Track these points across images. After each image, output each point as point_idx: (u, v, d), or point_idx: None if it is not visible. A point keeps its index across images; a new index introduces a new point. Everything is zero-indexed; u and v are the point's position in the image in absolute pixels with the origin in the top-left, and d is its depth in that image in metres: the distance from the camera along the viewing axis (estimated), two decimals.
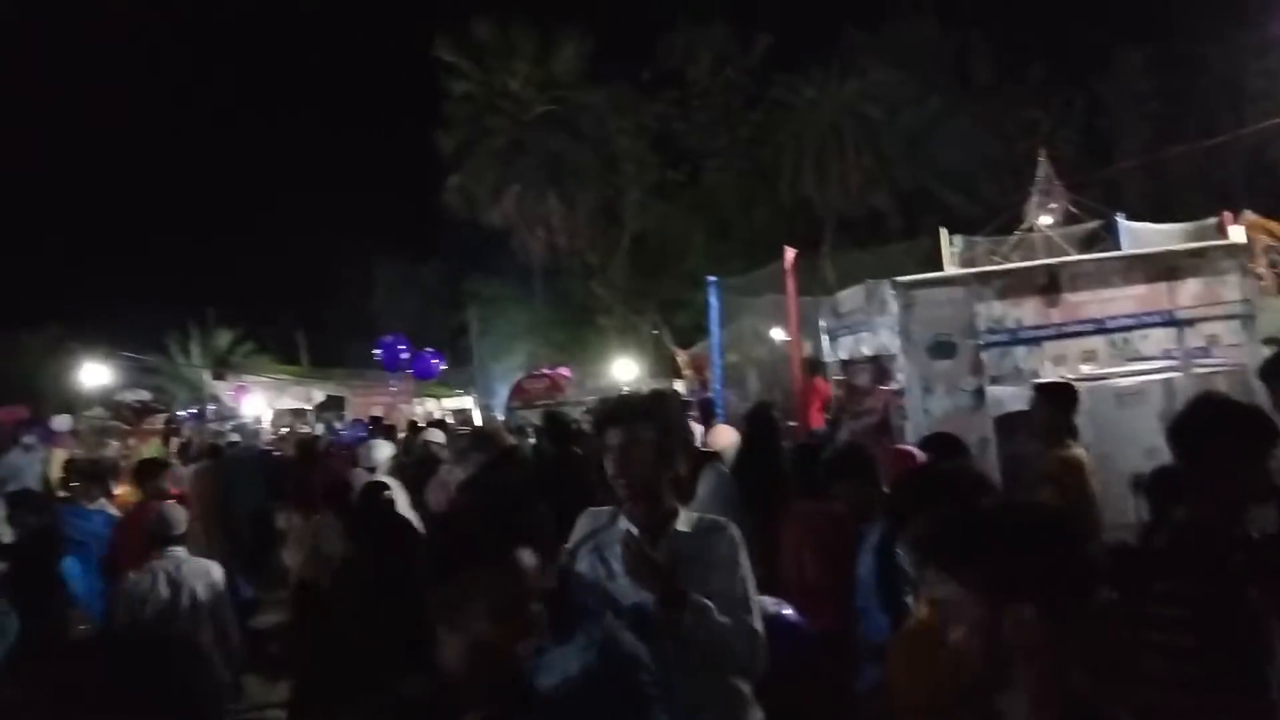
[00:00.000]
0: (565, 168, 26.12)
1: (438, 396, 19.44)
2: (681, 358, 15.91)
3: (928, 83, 24.51)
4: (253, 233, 33.21)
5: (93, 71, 35.93)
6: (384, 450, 6.48)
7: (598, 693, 2.00)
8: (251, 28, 40.56)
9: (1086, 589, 1.51)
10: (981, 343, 5.46)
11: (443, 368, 20.56)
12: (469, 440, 3.67)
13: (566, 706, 1.98)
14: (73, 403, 17.35)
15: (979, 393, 5.35)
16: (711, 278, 8.91)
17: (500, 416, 15.73)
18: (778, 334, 11.33)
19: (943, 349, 5.30)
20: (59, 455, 10.43)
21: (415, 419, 10.86)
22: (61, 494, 8.13)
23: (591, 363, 21.98)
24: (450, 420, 12.55)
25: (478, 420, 15.61)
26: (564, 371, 18.43)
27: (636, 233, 26.07)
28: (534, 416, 10.46)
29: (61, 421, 13.50)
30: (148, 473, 6.14)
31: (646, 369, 20.01)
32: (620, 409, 2.44)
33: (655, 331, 23.44)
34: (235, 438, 13.21)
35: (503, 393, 18.84)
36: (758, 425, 4.50)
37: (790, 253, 7.63)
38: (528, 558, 1.69)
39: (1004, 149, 24.23)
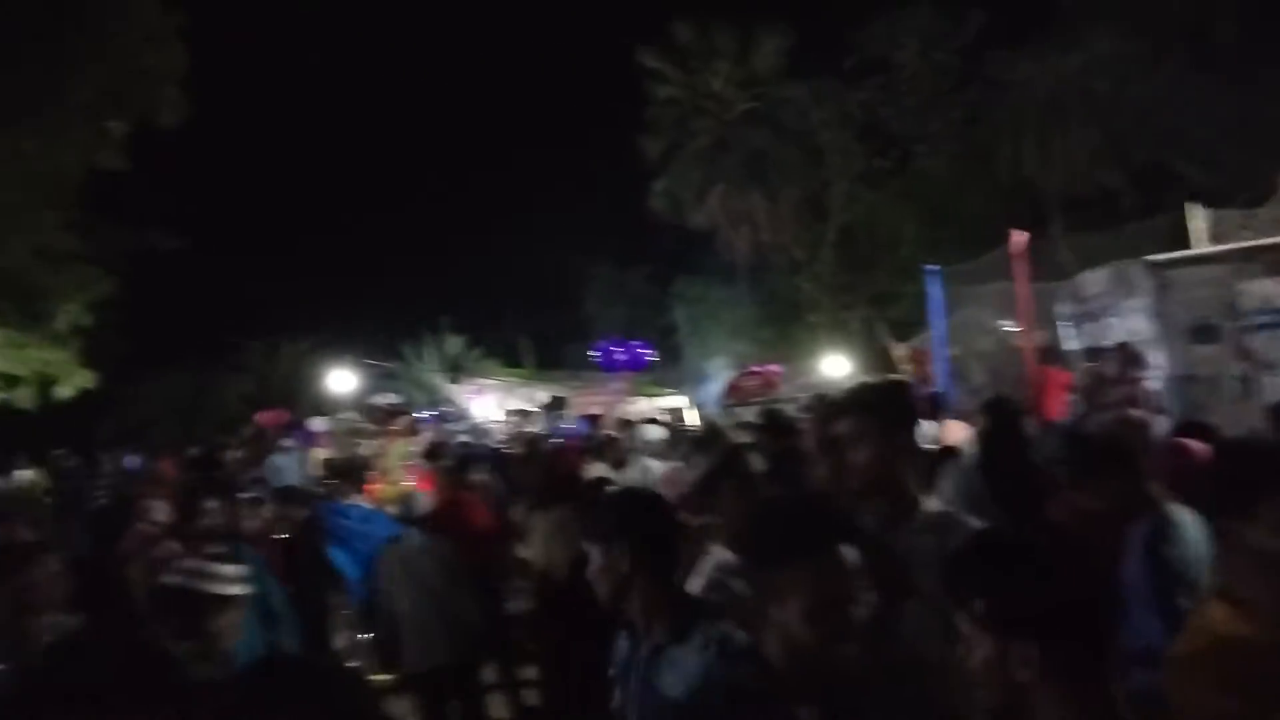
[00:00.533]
0: (768, 164, 25.91)
1: (651, 395, 19.83)
2: (899, 351, 15.36)
3: (1160, 48, 22.45)
4: (476, 245, 35.25)
5: (322, 109, 39.16)
6: (653, 432, 6.67)
7: (717, 693, 2.00)
8: (461, 50, 42.88)
9: (1096, 632, 1.43)
10: (1248, 325, 4.97)
11: (653, 358, 21.03)
12: (695, 439, 3.70)
13: (691, 708, 2.04)
14: (324, 406, 18.98)
15: (1246, 380, 4.88)
16: (931, 266, 8.58)
17: (713, 414, 15.85)
18: (1003, 324, 10.75)
19: (1203, 333, 4.87)
20: (317, 454, 11.41)
21: (630, 417, 11.09)
22: (319, 490, 8.85)
23: (800, 359, 21.66)
24: (663, 418, 12.75)
25: (689, 418, 15.77)
26: (776, 368, 18.32)
27: (844, 225, 25.49)
28: (748, 414, 10.46)
29: (317, 423, 14.78)
30: (457, 467, 6.60)
31: (859, 364, 19.53)
32: (850, 399, 2.39)
33: (869, 326, 22.83)
34: (467, 438, 14.03)
35: (713, 391, 18.96)
36: (999, 417, 4.28)
37: (1020, 236, 7.22)
38: (850, 556, 1.63)
39: (1251, 113, 21.85)
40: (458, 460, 6.81)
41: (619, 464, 6.86)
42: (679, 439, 6.14)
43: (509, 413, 15.56)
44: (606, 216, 31.56)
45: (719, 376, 20.26)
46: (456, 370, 25.52)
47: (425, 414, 17.83)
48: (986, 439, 4.23)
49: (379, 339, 25.39)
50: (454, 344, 27.82)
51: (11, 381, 13.24)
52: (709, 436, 4.14)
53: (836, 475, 2.23)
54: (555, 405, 14.00)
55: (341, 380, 20.85)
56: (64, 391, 13.69)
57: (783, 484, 3.06)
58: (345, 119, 42.25)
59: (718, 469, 2.71)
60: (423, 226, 39.00)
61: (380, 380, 22.24)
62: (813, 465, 2.87)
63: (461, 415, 18.91)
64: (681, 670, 2.07)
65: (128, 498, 8.22)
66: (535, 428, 12.12)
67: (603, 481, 5.69)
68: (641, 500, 2.49)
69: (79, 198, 13.08)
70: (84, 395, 14.22)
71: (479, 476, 6.42)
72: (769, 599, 1.62)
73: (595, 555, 2.30)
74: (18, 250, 12.10)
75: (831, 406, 2.38)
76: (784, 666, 1.62)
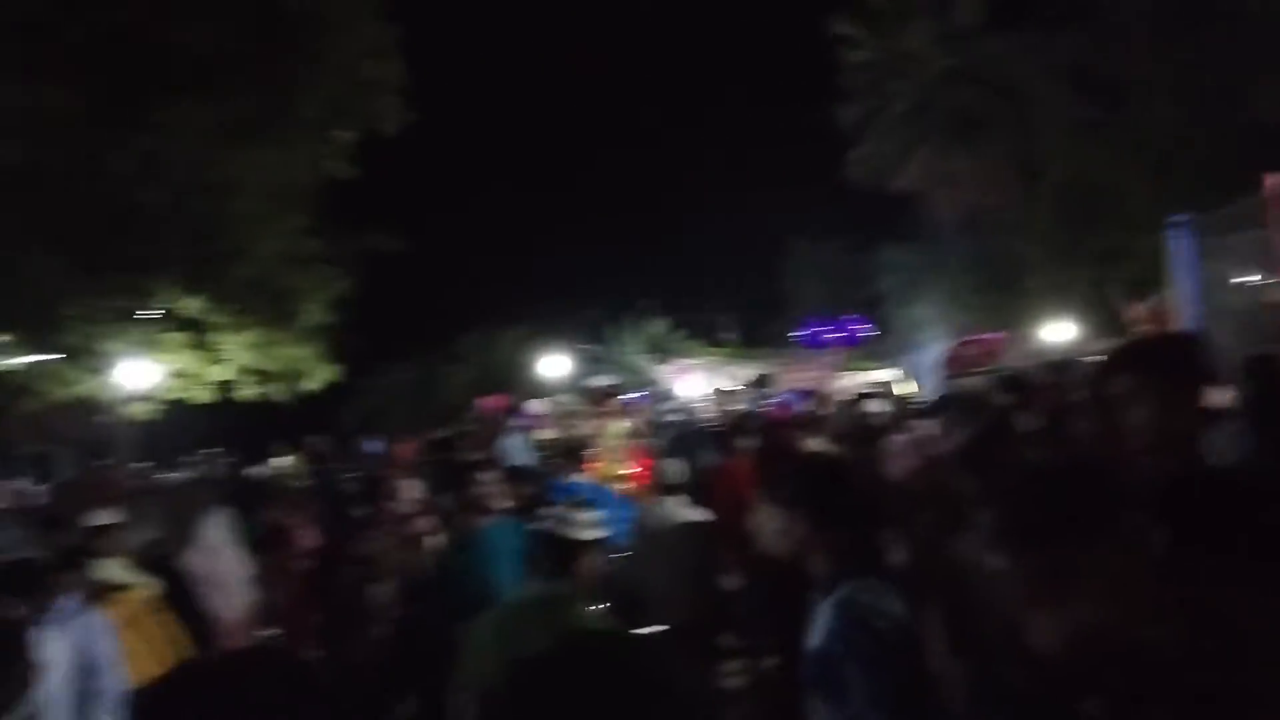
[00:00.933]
0: (973, 122, 24.71)
1: (861, 369, 19.44)
2: (1136, 311, 14.22)
3: None
4: (676, 228, 35.70)
5: (521, 102, 40.61)
6: (878, 405, 6.60)
7: (831, 651, 2.22)
8: (654, 32, 43.27)
9: None
10: None
11: (867, 333, 20.58)
12: (953, 407, 3.58)
13: (815, 663, 2.27)
14: (539, 390, 19.83)
15: None
16: (1177, 217, 7.92)
17: (931, 386, 15.35)
18: (1253, 276, 9.78)
19: None
20: (538, 436, 11.96)
21: (844, 392, 10.92)
22: (545, 469, 9.23)
23: (1019, 326, 20.58)
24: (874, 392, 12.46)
25: (901, 391, 15.34)
26: (996, 336, 17.49)
27: (1060, 181, 23.86)
28: (971, 384, 10.05)
29: (534, 406, 15.48)
30: (734, 433, 6.81)
31: (1087, 328, 18.31)
32: (1130, 353, 2.29)
33: (1098, 287, 21.30)
34: (675, 416, 14.28)
35: (928, 362, 18.34)
36: (1270, 376, 3.89)
37: (1277, 179, 6.54)
38: (1140, 524, 1.49)
39: None
40: (731, 426, 6.96)
41: (837, 438, 6.77)
42: (908, 412, 5.97)
43: (714, 391, 15.68)
44: (803, 189, 31.07)
45: (932, 347, 19.58)
46: (660, 351, 25.95)
47: (632, 395, 18.25)
48: (1257, 399, 3.85)
49: (586, 324, 26.20)
50: (657, 326, 28.30)
51: (266, 377, 14.61)
52: (971, 402, 3.98)
53: (1110, 438, 2.08)
54: (761, 382, 13.99)
55: (554, 365, 21.71)
56: (311, 384, 14.97)
57: (1051, 448, 2.92)
58: (545, 111, 43.77)
59: (987, 434, 2.65)
60: (623, 212, 39.85)
61: (588, 364, 22.95)
62: (1074, 428, 2.72)
63: (668, 395, 19.24)
64: (818, 624, 2.35)
65: (374, 479, 8.94)
66: (741, 405, 12.15)
67: (818, 456, 5.62)
68: (823, 469, 2.71)
69: (314, 205, 14.22)
70: (328, 387, 15.49)
71: (748, 442, 6.50)
72: (1045, 579, 1.47)
73: (775, 518, 2.52)
74: (266, 256, 13.33)
75: (1108, 362, 2.23)
76: (1064, 654, 1.47)
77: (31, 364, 12.49)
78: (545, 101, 42.68)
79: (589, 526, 3.39)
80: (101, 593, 5.27)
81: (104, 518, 7.16)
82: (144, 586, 5.48)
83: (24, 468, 11.58)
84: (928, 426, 4.48)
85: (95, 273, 11.68)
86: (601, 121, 44.93)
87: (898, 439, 4.74)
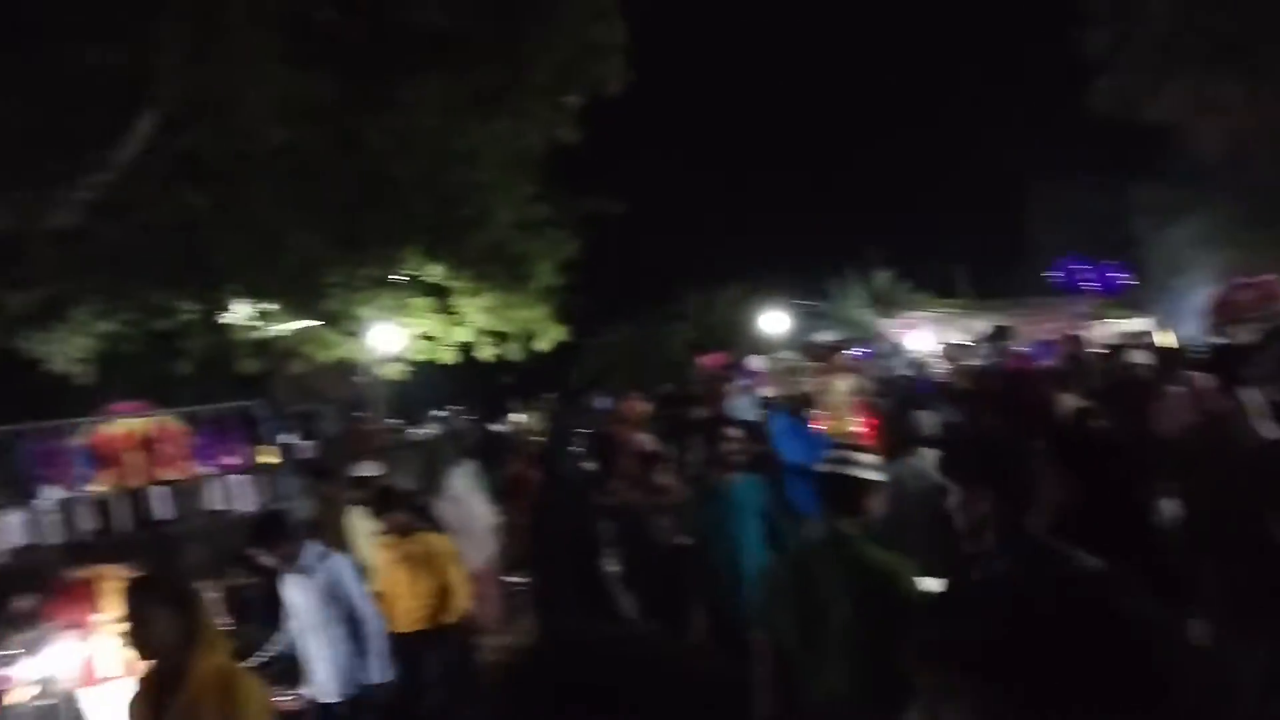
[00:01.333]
0: (1239, 42, 22.09)
1: (1112, 319, 18.01)
2: None
3: None
4: (901, 174, 34.28)
5: (736, 55, 40.09)
6: (1140, 356, 6.18)
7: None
8: None
9: None
10: None
11: (1127, 281, 18.99)
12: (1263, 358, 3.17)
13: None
14: (759, 347, 19.76)
15: None
16: None
17: (1191, 336, 14.00)
18: None
19: None
20: (761, 392, 11.94)
21: (1105, 342, 10.10)
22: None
23: None
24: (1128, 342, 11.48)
25: (1162, 342, 14.08)
26: (1274, 278, 15.61)
27: None
28: (1245, 333, 9.03)
29: (755, 363, 15.43)
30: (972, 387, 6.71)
31: None
32: None
33: None
34: (906, 372, 13.82)
35: (1191, 309, 16.70)
36: None
37: None
38: None
39: None
40: (979, 383, 6.80)
41: (1092, 394, 6.28)
42: (1180, 362, 5.43)
43: (945, 346, 15.02)
44: (1045, 126, 28.87)
45: (1194, 293, 17.85)
46: (886, 304, 25.12)
47: (857, 351, 17.83)
48: None
49: (807, 278, 25.77)
50: (882, 278, 27.40)
51: (502, 338, 15.37)
52: None
53: None
54: (999, 335, 13.22)
55: (774, 321, 21.56)
56: (542, 344, 15.60)
57: None
58: (760, 58, 43.12)
59: None
60: (845, 159, 38.74)
61: (809, 319, 22.61)
62: None
63: (894, 351, 18.65)
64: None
65: (605, 434, 9.26)
66: (975, 360, 11.54)
67: (1085, 413, 5.22)
68: (1006, 447, 2.73)
69: (542, 170, 14.68)
70: (557, 347, 16.09)
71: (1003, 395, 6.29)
72: None
73: (955, 493, 2.57)
74: (502, 223, 13.95)
75: None
76: None
77: (297, 330, 13.74)
78: (759, 49, 42.03)
79: (872, 468, 3.51)
80: (393, 533, 5.75)
81: (367, 469, 7.84)
82: (433, 532, 5.94)
83: (292, 424, 12.81)
84: (1205, 379, 4.04)
85: (352, 244, 12.65)
86: (819, 62, 43.73)
87: (1173, 392, 4.27)
